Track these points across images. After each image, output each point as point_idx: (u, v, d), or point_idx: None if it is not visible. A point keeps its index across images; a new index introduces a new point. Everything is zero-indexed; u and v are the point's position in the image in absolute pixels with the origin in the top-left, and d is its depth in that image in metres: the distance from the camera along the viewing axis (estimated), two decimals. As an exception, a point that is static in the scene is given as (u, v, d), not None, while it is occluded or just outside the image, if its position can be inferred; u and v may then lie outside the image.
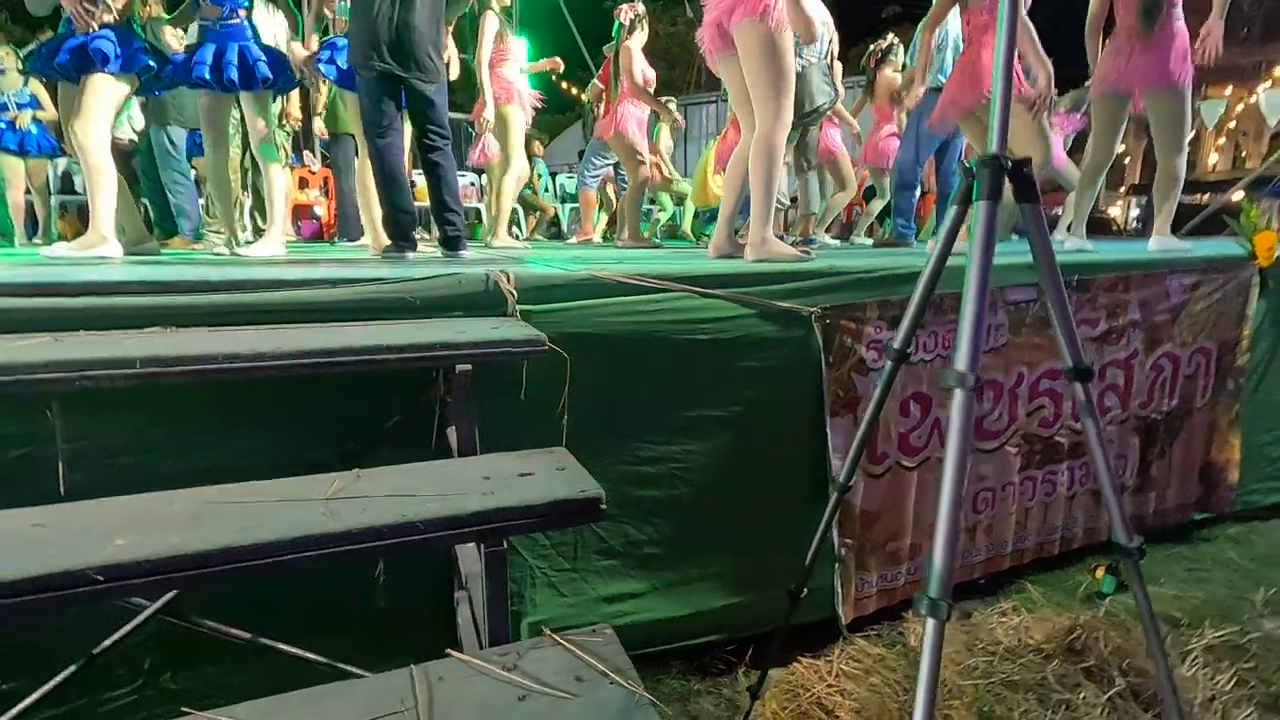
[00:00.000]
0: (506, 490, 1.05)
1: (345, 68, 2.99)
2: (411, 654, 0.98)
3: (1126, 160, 15.35)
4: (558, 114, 11.47)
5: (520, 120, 4.01)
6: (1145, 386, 2.45)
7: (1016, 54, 2.92)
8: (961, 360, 0.86)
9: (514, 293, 1.55)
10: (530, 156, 7.95)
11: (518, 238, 5.86)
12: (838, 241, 5.19)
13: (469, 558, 1.39)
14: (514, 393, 1.59)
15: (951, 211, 0.97)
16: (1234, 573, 2.42)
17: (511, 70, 3.99)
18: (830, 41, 3.91)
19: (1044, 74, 2.74)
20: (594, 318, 1.65)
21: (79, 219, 6.23)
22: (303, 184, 7.13)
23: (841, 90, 4.33)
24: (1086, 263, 2.29)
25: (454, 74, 3.19)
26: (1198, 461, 2.63)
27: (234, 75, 2.86)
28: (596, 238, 5.42)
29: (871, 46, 4.92)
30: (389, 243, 2.83)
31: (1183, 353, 2.51)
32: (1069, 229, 3.64)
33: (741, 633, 1.93)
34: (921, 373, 2.07)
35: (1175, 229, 3.41)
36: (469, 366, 1.20)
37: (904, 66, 4.68)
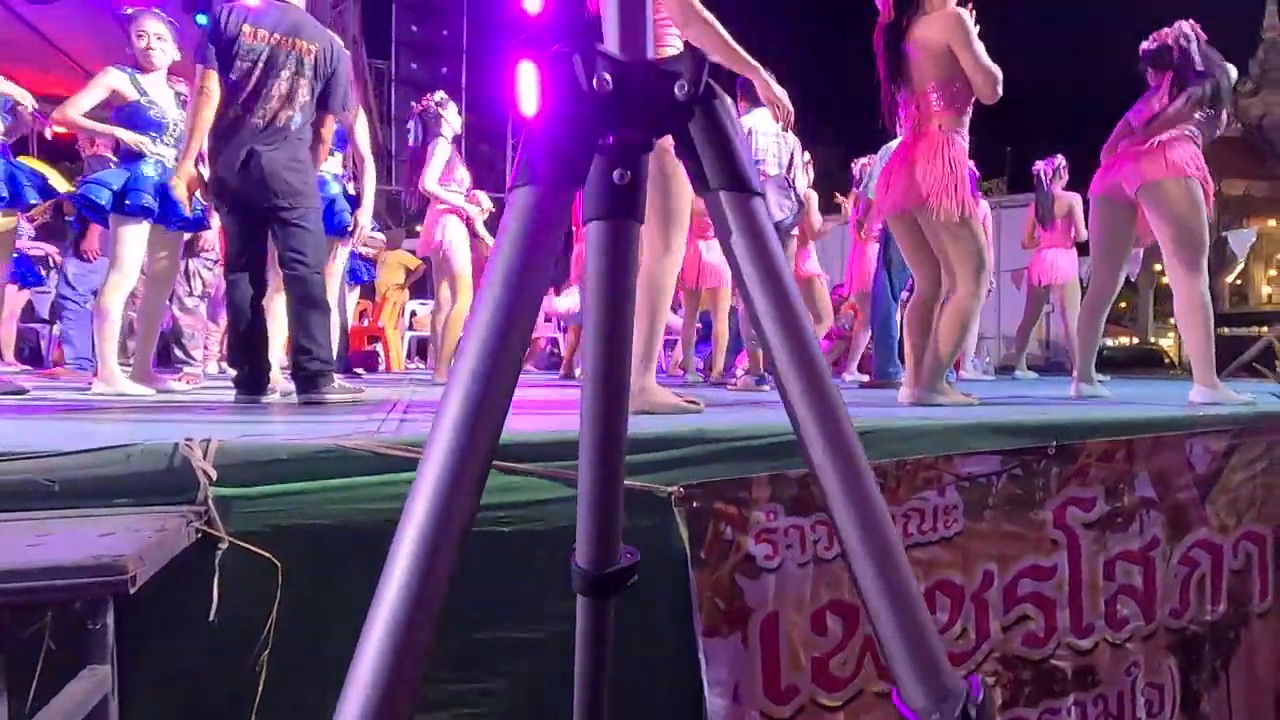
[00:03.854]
0: None
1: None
2: None
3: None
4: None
5: (463, 252, 3.79)
6: (1175, 588, 1.83)
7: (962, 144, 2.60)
8: None
9: (209, 472, 1.13)
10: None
11: None
12: None
13: None
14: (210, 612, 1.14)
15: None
16: None
17: (456, 199, 3.83)
18: (790, 154, 3.65)
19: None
20: (334, 505, 1.21)
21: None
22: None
23: (811, 208, 4.11)
24: (1068, 422, 1.76)
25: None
26: (1269, 687, 1.94)
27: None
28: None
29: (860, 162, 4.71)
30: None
31: (1225, 541, 1.90)
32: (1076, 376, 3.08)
33: None
34: (841, 574, 1.53)
35: (1219, 367, 2.87)
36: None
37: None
